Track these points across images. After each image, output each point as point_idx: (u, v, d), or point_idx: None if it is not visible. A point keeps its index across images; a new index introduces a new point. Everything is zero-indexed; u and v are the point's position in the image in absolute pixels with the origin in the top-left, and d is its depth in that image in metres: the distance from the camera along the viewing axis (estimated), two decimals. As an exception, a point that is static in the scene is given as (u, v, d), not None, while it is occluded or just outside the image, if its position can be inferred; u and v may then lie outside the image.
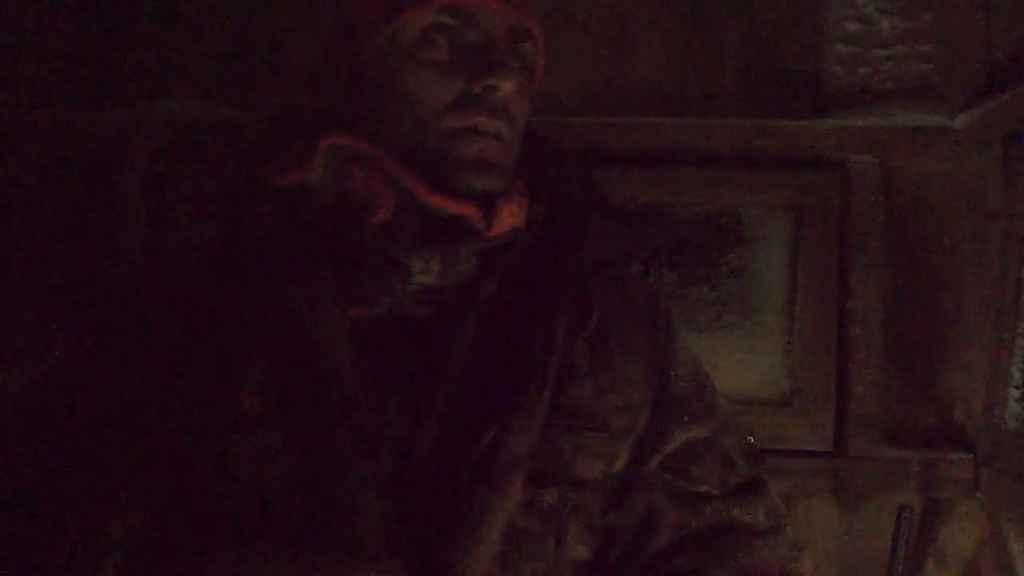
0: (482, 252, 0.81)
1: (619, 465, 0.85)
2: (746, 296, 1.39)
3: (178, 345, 0.78)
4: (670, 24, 1.40)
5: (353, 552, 0.69)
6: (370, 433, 0.72)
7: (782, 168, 1.38)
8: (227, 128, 1.37)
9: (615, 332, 0.85)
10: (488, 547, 0.71)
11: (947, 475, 1.34)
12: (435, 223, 0.78)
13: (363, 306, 0.77)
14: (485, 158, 0.79)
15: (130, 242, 1.37)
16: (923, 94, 1.37)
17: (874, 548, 1.33)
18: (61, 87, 1.41)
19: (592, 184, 0.93)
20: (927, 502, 1.35)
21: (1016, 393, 1.28)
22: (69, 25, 1.41)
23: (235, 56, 1.41)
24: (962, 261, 1.37)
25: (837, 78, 1.38)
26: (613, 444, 0.83)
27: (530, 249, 0.84)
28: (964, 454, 1.34)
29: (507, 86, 0.77)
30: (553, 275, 0.83)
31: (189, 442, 0.74)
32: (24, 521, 0.77)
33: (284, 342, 0.75)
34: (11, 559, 0.77)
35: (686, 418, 0.88)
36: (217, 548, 0.72)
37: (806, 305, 1.36)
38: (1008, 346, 1.28)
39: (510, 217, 0.81)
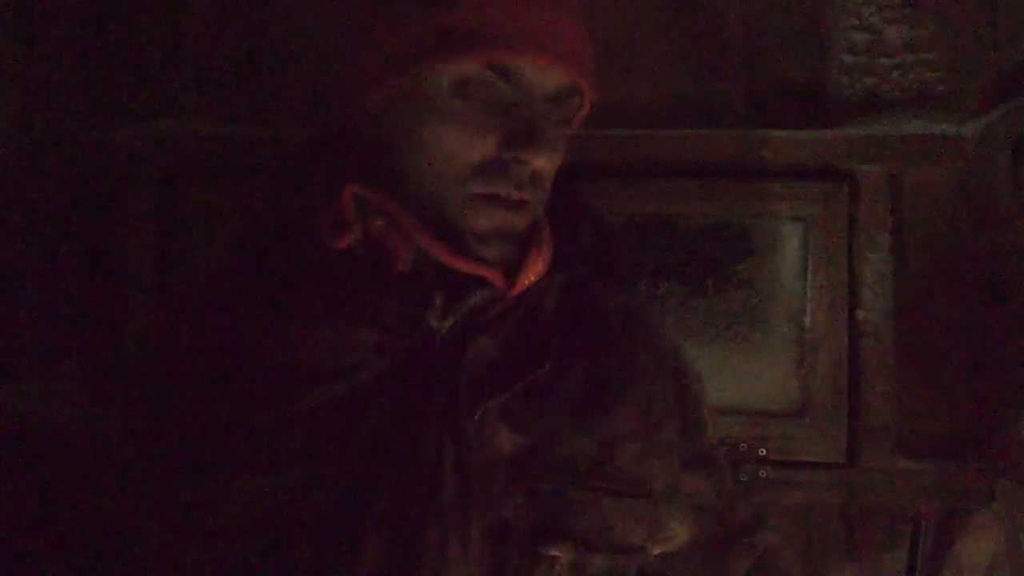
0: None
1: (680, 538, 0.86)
2: (755, 307, 1.38)
3: (222, 388, 0.76)
4: (675, 36, 1.40)
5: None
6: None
7: (789, 178, 1.37)
8: (238, 145, 1.38)
9: (651, 390, 0.83)
10: None
11: (962, 485, 1.32)
12: (454, 279, 0.74)
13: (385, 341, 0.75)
14: (505, 229, 0.73)
15: (142, 258, 1.38)
16: (931, 102, 1.37)
17: (890, 560, 1.32)
18: (72, 105, 1.42)
19: (609, 236, 0.88)
20: (942, 513, 1.34)
21: (1031, 402, 1.27)
22: (79, 44, 1.43)
23: (245, 73, 1.42)
24: (973, 269, 1.36)
25: (844, 88, 1.38)
26: (657, 508, 0.82)
27: (547, 293, 0.80)
28: (979, 464, 1.33)
29: (539, 162, 0.70)
30: (578, 325, 0.81)
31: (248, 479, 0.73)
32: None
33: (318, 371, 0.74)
34: None
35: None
36: None
37: (816, 315, 1.36)
38: (1021, 354, 1.27)
39: (533, 274, 0.77)
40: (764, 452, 1.34)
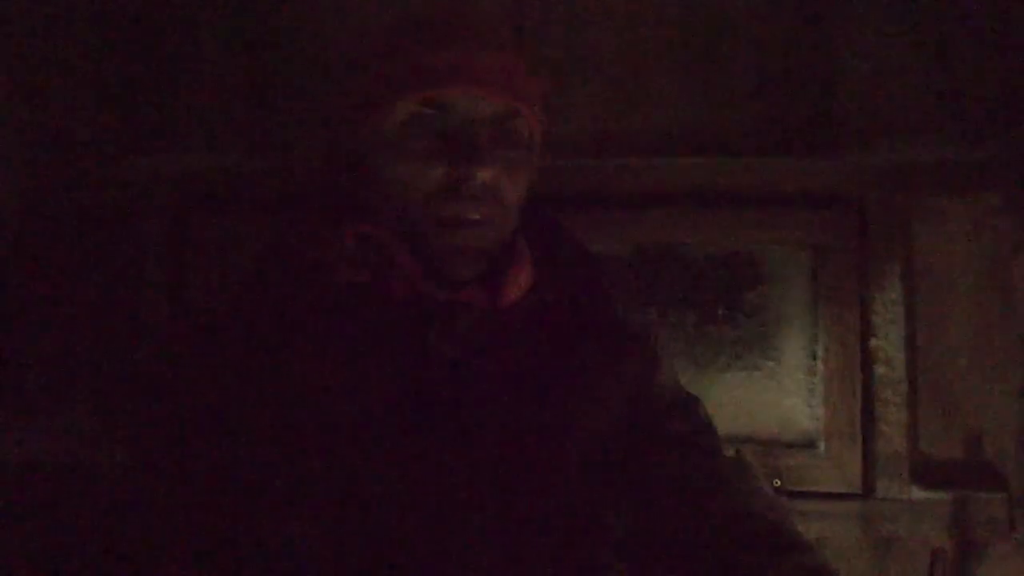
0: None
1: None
2: (767, 335, 1.38)
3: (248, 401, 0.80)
4: (683, 64, 1.41)
5: None
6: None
7: (799, 206, 1.37)
8: (250, 177, 1.40)
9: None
10: None
11: (981, 515, 1.31)
12: (451, 304, 0.81)
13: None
14: (470, 246, 0.80)
15: (155, 289, 1.40)
16: (938, 129, 1.37)
17: (908, 593, 1.30)
18: (85, 138, 1.44)
19: (578, 243, 0.95)
20: (961, 544, 1.32)
21: (1048, 430, 1.25)
22: (90, 77, 1.45)
23: (258, 106, 1.44)
24: (985, 296, 1.35)
25: (851, 115, 1.39)
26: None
27: (539, 300, 0.86)
28: (997, 493, 1.31)
29: (483, 174, 0.77)
30: (566, 325, 0.86)
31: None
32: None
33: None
34: None
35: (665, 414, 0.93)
36: None
37: (828, 344, 1.35)
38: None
39: (516, 288, 0.83)
40: (778, 483, 1.33)
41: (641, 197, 1.38)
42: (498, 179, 0.79)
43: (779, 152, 1.39)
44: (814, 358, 1.36)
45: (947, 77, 1.37)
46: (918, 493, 1.32)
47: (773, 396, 1.37)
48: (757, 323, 1.38)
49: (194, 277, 1.39)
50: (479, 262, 0.81)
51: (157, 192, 1.42)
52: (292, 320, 0.81)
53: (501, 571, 0.76)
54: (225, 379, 0.81)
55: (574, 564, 0.82)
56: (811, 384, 1.36)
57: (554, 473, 0.82)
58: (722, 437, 0.95)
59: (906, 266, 1.36)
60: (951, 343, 1.35)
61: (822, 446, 1.34)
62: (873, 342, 1.35)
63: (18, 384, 1.40)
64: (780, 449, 1.35)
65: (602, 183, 1.38)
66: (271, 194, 1.38)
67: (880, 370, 1.34)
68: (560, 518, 0.81)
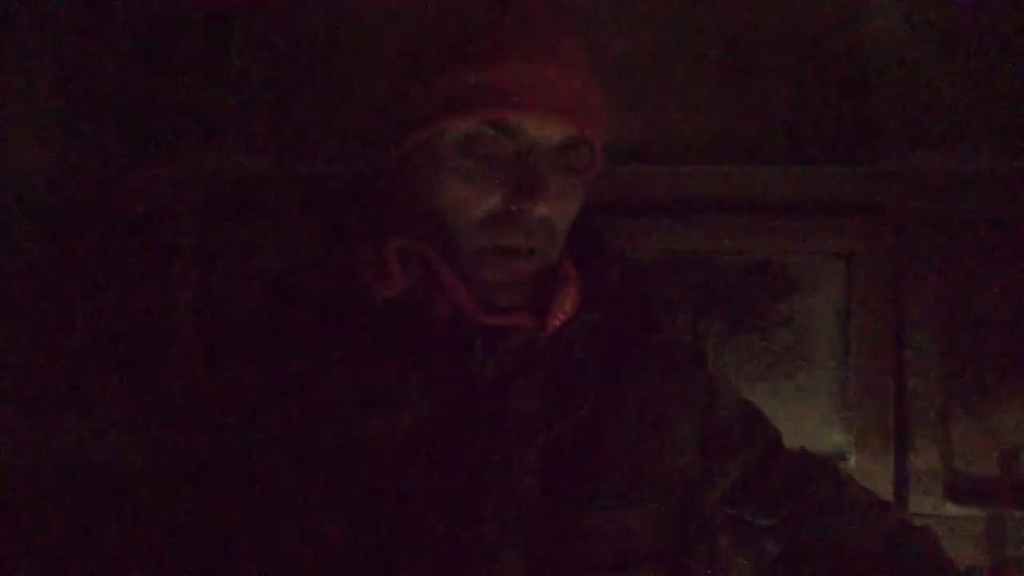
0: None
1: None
2: (798, 345, 1.36)
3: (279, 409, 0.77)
4: (714, 71, 1.40)
5: None
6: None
7: (831, 215, 1.36)
8: (279, 182, 1.40)
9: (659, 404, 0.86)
10: None
11: (1016, 533, 1.28)
12: (493, 324, 0.77)
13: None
14: (517, 278, 0.77)
15: (181, 294, 1.40)
16: (973, 137, 1.35)
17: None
18: (113, 143, 1.45)
19: (627, 263, 0.91)
20: (995, 562, 1.29)
21: (1087, 447, 1.22)
22: (121, 82, 1.46)
23: (283, 110, 1.44)
24: (1022, 307, 1.32)
25: (885, 123, 1.37)
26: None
27: (581, 332, 0.83)
28: (1033, 511, 1.29)
29: (542, 209, 0.73)
30: (615, 362, 0.84)
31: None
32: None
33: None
34: None
35: (737, 448, 0.92)
36: None
37: (860, 355, 1.33)
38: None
39: (562, 314, 0.79)
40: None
41: (672, 205, 1.37)
42: (555, 213, 0.76)
43: (812, 160, 1.37)
44: (846, 368, 1.34)
45: (981, 85, 1.35)
46: (952, 509, 1.30)
47: (804, 407, 1.35)
48: (789, 332, 1.36)
49: (222, 283, 1.39)
50: (524, 292, 0.78)
51: (186, 198, 1.42)
52: (325, 334, 0.78)
53: None
54: (250, 393, 0.78)
55: None
56: (843, 396, 1.34)
57: (614, 512, 0.78)
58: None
59: (941, 275, 1.33)
60: (987, 356, 1.33)
61: (853, 459, 1.32)
62: (906, 353, 1.32)
63: (44, 386, 1.40)
64: (811, 462, 1.33)
65: (633, 191, 1.37)
66: (300, 201, 1.37)
67: (914, 382, 1.32)
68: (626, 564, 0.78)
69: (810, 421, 1.35)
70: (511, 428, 0.75)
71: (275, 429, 0.75)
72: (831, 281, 1.36)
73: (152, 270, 1.41)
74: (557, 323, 0.79)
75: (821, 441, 1.34)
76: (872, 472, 1.31)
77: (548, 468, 0.76)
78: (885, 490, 1.31)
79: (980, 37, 1.35)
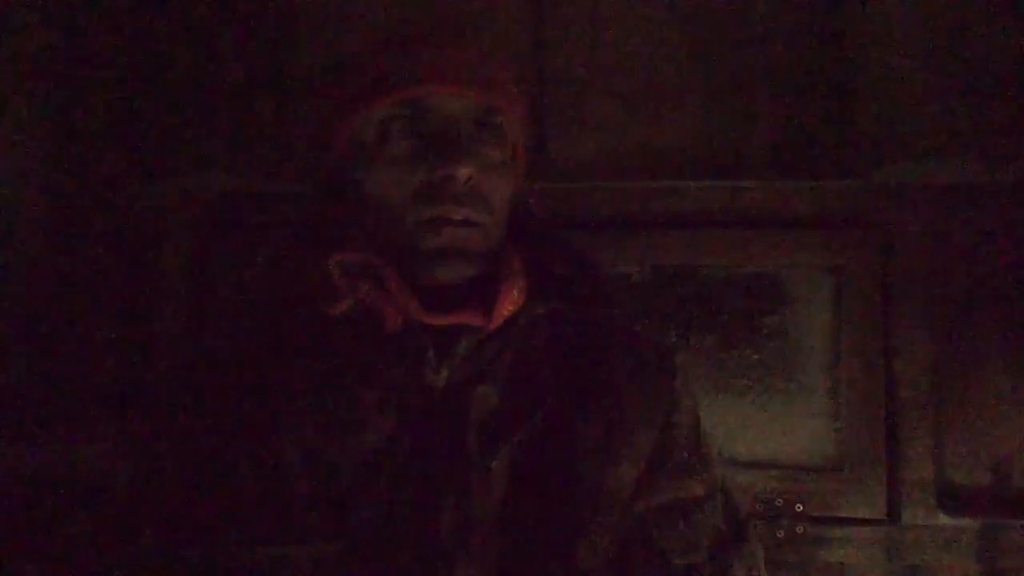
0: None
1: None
2: (789, 358, 1.36)
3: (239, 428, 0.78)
4: (700, 86, 1.41)
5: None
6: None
7: (820, 228, 1.37)
8: (268, 200, 1.41)
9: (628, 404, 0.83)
10: None
11: (1008, 543, 1.28)
12: (443, 332, 0.77)
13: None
14: (455, 246, 0.77)
15: (173, 310, 1.40)
16: (962, 150, 1.36)
17: (934, 622, 1.28)
18: (105, 162, 1.46)
19: (577, 253, 0.90)
20: (988, 573, 1.29)
21: (1078, 457, 1.23)
22: (112, 102, 1.47)
23: (274, 130, 1.45)
24: (1012, 318, 1.33)
25: (873, 136, 1.38)
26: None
27: (534, 328, 0.83)
28: (1026, 521, 1.29)
29: (464, 172, 0.75)
30: (558, 343, 0.83)
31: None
32: None
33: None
34: None
35: (679, 472, 0.85)
36: None
37: (851, 367, 1.33)
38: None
39: (509, 304, 0.79)
40: (801, 508, 1.31)
41: (661, 219, 1.38)
42: (480, 178, 0.77)
43: (801, 173, 1.38)
44: (837, 381, 1.35)
45: (969, 98, 1.37)
46: (945, 520, 1.30)
47: (796, 420, 1.35)
48: (778, 346, 1.36)
49: (215, 299, 1.40)
50: (465, 266, 0.77)
51: (179, 215, 1.43)
52: (283, 356, 0.79)
53: None
54: (219, 412, 0.79)
55: None
56: (835, 408, 1.34)
57: (572, 517, 0.77)
58: (745, 463, 0.92)
59: (930, 287, 1.34)
60: (978, 367, 1.33)
61: (846, 471, 1.32)
62: (897, 365, 1.33)
63: (39, 399, 1.40)
64: (803, 474, 1.33)
65: (622, 205, 1.38)
66: (291, 217, 1.38)
67: (905, 393, 1.32)
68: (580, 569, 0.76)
69: (802, 433, 1.35)
70: (473, 440, 0.75)
71: (242, 455, 0.76)
72: (821, 294, 1.37)
73: (145, 287, 1.42)
74: (505, 314, 0.79)
75: (813, 452, 1.34)
76: (864, 484, 1.31)
77: (510, 477, 0.76)
78: (878, 501, 1.31)
79: (968, 50, 1.37)
